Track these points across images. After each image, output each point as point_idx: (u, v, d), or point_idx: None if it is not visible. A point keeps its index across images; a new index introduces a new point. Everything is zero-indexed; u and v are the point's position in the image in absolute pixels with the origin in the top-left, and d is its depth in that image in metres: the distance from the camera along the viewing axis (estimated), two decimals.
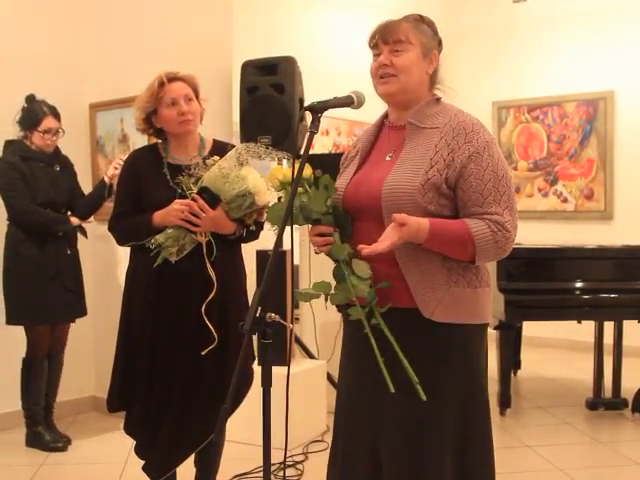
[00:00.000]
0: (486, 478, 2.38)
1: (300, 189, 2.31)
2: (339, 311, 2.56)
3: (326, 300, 2.30)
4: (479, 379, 2.37)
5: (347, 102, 2.35)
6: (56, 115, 4.64)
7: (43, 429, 4.68)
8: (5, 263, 4.62)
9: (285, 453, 2.35)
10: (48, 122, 4.59)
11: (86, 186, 4.99)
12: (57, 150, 4.72)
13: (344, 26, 6.96)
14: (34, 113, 4.58)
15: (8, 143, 4.60)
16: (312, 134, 2.22)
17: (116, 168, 4.56)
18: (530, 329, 6.38)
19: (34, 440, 4.67)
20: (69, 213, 4.73)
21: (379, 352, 2.20)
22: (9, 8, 5.09)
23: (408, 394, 2.22)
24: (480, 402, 2.36)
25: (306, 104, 2.31)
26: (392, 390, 2.17)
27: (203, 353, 3.14)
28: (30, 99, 4.62)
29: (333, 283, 2.33)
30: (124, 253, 3.45)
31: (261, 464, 2.17)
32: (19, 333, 4.62)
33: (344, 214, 2.32)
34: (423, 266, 2.26)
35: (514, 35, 8.06)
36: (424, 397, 2.19)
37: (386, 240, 2.16)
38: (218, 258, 3.16)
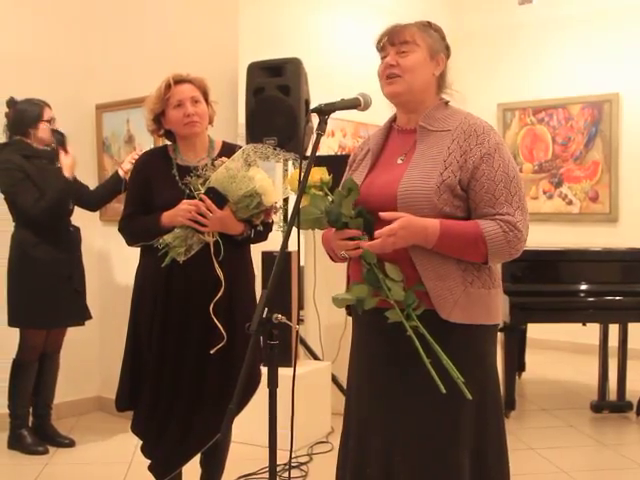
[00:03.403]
0: (502, 476, 2.40)
1: (319, 193, 2.31)
2: (349, 314, 2.57)
3: (360, 306, 2.29)
4: (493, 378, 2.40)
5: (354, 104, 2.36)
6: (49, 106, 4.58)
7: (26, 432, 4.64)
8: (12, 266, 4.55)
9: (290, 454, 2.35)
10: (48, 111, 4.55)
11: (92, 187, 4.98)
12: (53, 147, 4.62)
13: (349, 28, 6.97)
14: (30, 109, 4.52)
15: (3, 145, 4.54)
16: (319, 136, 2.23)
17: (132, 163, 4.53)
18: (535, 331, 6.38)
19: (16, 442, 4.63)
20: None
21: (410, 354, 2.21)
22: (15, 10, 5.10)
23: (425, 395, 2.25)
24: (494, 401, 2.38)
25: (312, 105, 2.32)
26: (443, 391, 2.17)
27: (212, 352, 3.15)
28: (12, 102, 4.56)
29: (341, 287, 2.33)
30: (130, 254, 3.46)
31: (266, 465, 2.18)
32: (11, 334, 4.60)
33: (370, 217, 2.31)
34: (439, 267, 2.28)
35: (519, 37, 8.06)
36: (469, 396, 2.20)
37: (382, 237, 2.20)
38: (226, 258, 3.17)
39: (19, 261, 4.55)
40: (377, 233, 2.22)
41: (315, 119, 2.32)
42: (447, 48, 2.49)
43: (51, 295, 4.49)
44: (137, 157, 4.40)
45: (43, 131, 4.54)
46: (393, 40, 2.40)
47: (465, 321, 2.28)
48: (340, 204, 2.27)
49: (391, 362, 2.35)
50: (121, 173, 4.65)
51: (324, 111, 2.27)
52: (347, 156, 2.72)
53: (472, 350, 2.31)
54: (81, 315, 4.70)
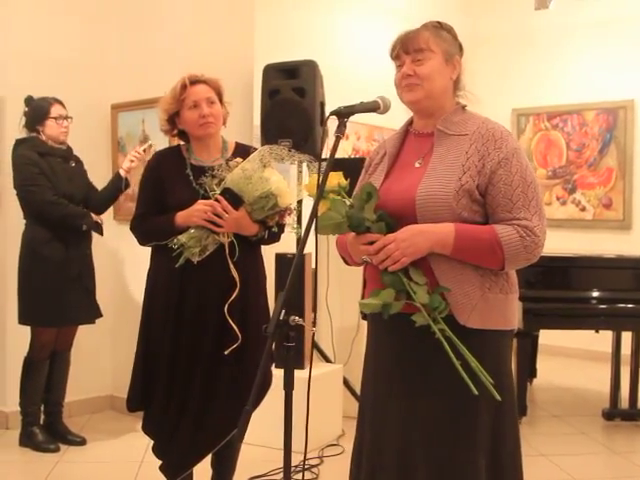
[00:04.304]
0: (516, 478, 2.39)
1: (337, 197, 2.31)
2: (364, 318, 2.57)
3: (386, 311, 2.27)
4: (509, 383, 2.39)
5: (373, 107, 2.36)
6: (62, 103, 4.62)
7: (38, 429, 4.65)
8: (23, 264, 4.58)
9: (305, 456, 2.35)
10: (57, 109, 4.58)
11: None
12: (69, 146, 4.70)
13: (365, 31, 6.97)
14: (40, 107, 4.57)
15: (20, 141, 4.57)
16: (338, 138, 2.23)
17: (132, 161, 4.59)
18: (547, 338, 6.36)
19: (27, 440, 4.64)
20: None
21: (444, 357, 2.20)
22: (32, 10, 5.12)
23: (442, 397, 2.27)
24: (510, 404, 2.37)
25: (327, 108, 2.32)
26: (475, 393, 2.17)
27: (226, 352, 3.15)
28: (29, 100, 4.60)
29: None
30: (143, 253, 3.47)
31: (276, 466, 2.19)
32: (22, 333, 4.63)
33: (392, 220, 2.30)
34: (457, 273, 2.27)
35: (535, 42, 8.03)
36: (499, 397, 2.21)
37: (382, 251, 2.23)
38: (239, 259, 3.18)
39: (29, 259, 4.57)
40: (372, 248, 2.25)
41: (330, 121, 2.32)
42: (460, 48, 2.49)
43: (61, 293, 4.51)
44: (137, 155, 4.48)
45: (50, 128, 4.57)
46: (407, 48, 2.39)
47: (482, 326, 2.28)
48: (362, 208, 2.27)
49: (408, 364, 2.35)
50: (122, 172, 4.67)
51: (343, 114, 2.27)
52: (361, 159, 2.71)
53: (489, 355, 2.30)
54: (91, 313, 4.71)
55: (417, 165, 2.41)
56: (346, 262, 2.58)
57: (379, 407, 2.44)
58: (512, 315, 2.39)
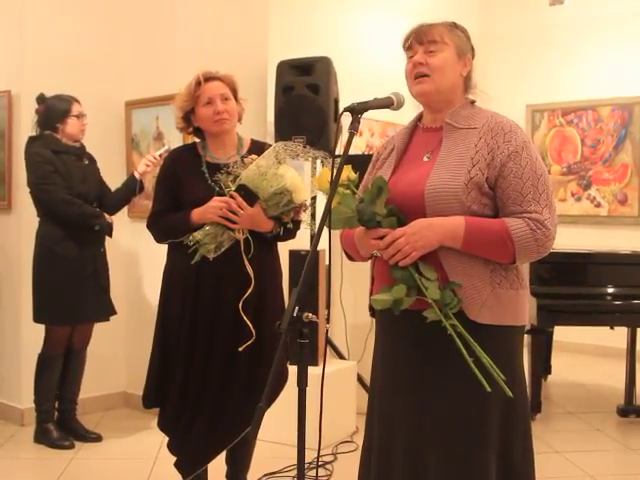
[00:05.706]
0: (528, 475, 2.38)
1: (347, 192, 2.31)
2: (372, 315, 2.56)
3: (397, 307, 2.26)
4: (520, 379, 2.38)
5: (387, 103, 2.35)
6: (78, 102, 4.62)
7: (52, 426, 4.66)
8: (37, 262, 4.58)
9: (318, 453, 2.35)
10: (77, 107, 4.58)
11: (120, 183, 5.00)
12: (82, 144, 4.70)
13: (379, 28, 6.94)
14: (58, 105, 4.56)
15: (33, 138, 4.57)
16: (352, 134, 2.23)
17: (147, 165, 4.58)
18: (561, 334, 6.33)
19: (42, 436, 4.65)
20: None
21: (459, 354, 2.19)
22: (46, 7, 5.13)
23: (452, 395, 2.26)
24: (521, 401, 2.37)
25: (341, 105, 2.31)
26: (488, 389, 2.16)
27: (240, 349, 3.16)
28: (42, 98, 4.59)
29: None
30: (158, 250, 3.47)
31: (290, 463, 2.18)
32: (37, 329, 4.65)
33: (403, 215, 2.30)
34: (467, 268, 2.27)
35: (549, 38, 7.99)
36: (510, 394, 2.20)
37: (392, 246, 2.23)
38: (255, 256, 3.18)
39: (43, 257, 4.57)
40: (382, 243, 2.24)
41: (344, 118, 2.32)
42: (472, 49, 2.49)
43: (75, 291, 4.51)
44: (152, 159, 4.48)
45: (71, 126, 4.57)
46: (421, 39, 2.40)
47: (493, 322, 2.27)
48: (372, 203, 2.26)
49: (416, 361, 2.35)
50: (137, 175, 4.67)
51: (357, 110, 2.26)
52: (373, 156, 2.70)
53: (500, 351, 2.29)
54: (106, 311, 4.72)
55: (425, 159, 2.40)
56: (349, 257, 2.58)
57: (387, 405, 2.43)
58: (522, 311, 2.38)
